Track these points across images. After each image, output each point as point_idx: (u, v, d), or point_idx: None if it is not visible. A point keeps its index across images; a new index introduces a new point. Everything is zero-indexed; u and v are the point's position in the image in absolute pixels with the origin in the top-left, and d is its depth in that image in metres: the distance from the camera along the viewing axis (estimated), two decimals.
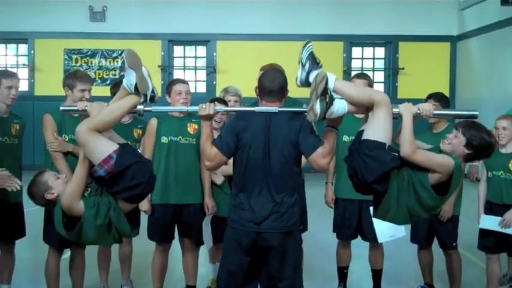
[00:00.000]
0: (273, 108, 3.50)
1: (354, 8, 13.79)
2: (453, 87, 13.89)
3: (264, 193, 3.50)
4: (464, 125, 3.55)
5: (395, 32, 13.84)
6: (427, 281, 5.20)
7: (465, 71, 13.69)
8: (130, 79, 3.52)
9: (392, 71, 14.15)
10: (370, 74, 13.99)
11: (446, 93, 13.78)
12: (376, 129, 3.33)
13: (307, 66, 3.39)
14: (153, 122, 4.67)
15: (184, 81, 4.80)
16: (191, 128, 4.72)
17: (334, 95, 3.36)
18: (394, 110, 3.43)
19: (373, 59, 14.54)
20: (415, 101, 3.58)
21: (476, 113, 3.60)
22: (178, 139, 4.64)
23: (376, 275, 5.19)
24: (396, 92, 13.96)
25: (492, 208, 4.91)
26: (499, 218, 4.80)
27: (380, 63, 14.55)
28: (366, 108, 3.45)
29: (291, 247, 3.56)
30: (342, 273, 5.25)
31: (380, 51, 14.49)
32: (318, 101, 3.23)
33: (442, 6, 13.80)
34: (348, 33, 13.88)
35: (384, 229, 4.84)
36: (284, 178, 3.51)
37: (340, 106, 3.33)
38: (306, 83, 3.40)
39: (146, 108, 3.62)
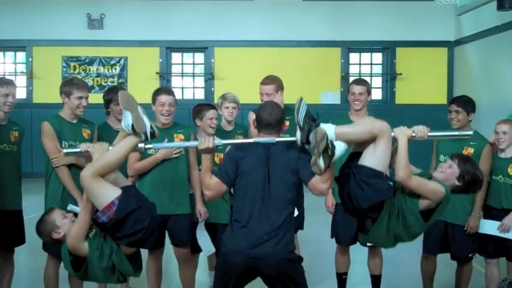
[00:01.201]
0: (270, 138, 3.60)
1: (352, 14, 13.83)
2: (451, 92, 13.89)
3: (262, 219, 3.52)
4: (460, 158, 3.64)
5: (392, 37, 13.87)
6: None
7: (463, 76, 13.72)
8: (127, 120, 3.56)
9: (390, 76, 14.17)
10: (367, 79, 13.99)
11: (444, 98, 13.89)
12: (376, 157, 3.39)
13: (305, 127, 3.44)
14: None
15: (168, 92, 4.75)
16: (177, 138, 4.72)
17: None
18: None
19: (371, 64, 14.57)
20: (413, 107, 3.64)
21: (471, 132, 3.80)
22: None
23: (375, 280, 5.19)
24: (394, 97, 13.98)
25: (491, 213, 4.90)
26: (498, 223, 4.81)
27: (378, 69, 14.57)
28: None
29: (292, 269, 3.56)
30: (341, 279, 5.24)
31: (377, 57, 14.52)
32: (321, 157, 3.31)
33: (439, 11, 13.78)
34: (346, 39, 13.90)
35: None
36: (283, 205, 3.55)
37: (341, 148, 3.40)
38: (306, 143, 3.46)
39: (147, 146, 3.72)
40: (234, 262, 3.53)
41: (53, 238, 3.62)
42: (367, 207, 3.38)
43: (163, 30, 13.79)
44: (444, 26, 13.90)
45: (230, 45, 13.88)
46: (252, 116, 5.02)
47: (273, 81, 5.12)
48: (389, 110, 13.08)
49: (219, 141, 3.68)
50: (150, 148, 3.76)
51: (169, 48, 14.14)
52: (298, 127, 3.46)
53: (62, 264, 4.65)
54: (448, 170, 3.57)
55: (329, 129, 3.38)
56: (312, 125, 3.41)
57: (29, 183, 5.12)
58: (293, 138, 3.56)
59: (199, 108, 5.04)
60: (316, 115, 3.48)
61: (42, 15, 13.72)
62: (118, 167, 3.65)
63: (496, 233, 4.81)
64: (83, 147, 3.72)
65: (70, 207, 4.19)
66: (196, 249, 4.97)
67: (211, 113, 4.98)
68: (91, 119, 4.89)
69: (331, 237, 5.18)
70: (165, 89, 4.89)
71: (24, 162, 4.85)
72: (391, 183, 3.40)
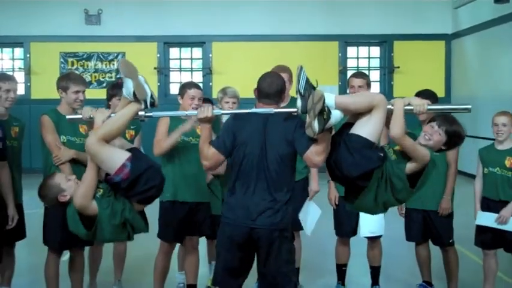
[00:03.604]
0: (268, 109, 3.58)
1: (349, 7, 13.83)
2: (448, 85, 13.94)
3: (259, 190, 3.56)
4: (446, 121, 3.60)
5: (390, 31, 13.89)
6: (425, 278, 5.22)
7: (460, 69, 13.75)
8: (128, 88, 3.64)
9: (387, 69, 14.19)
10: (365, 73, 14.02)
11: (442, 91, 13.90)
12: (369, 127, 3.39)
13: (307, 95, 3.39)
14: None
15: (198, 87, 4.85)
16: (199, 129, 4.78)
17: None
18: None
19: (369, 58, 14.58)
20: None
21: (470, 106, 3.63)
22: (189, 139, 4.73)
23: (375, 271, 5.23)
24: (392, 90, 14.00)
25: (489, 204, 4.93)
26: (496, 215, 4.83)
27: (375, 62, 14.59)
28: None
29: (283, 244, 3.61)
30: (341, 270, 5.28)
31: (375, 51, 14.53)
32: (316, 119, 3.27)
33: (437, 4, 13.85)
34: (343, 33, 13.91)
35: (366, 225, 5.03)
36: (279, 176, 3.57)
37: (337, 116, 3.37)
38: (307, 111, 3.42)
39: (147, 114, 3.76)
40: (233, 234, 3.60)
41: (59, 201, 3.68)
42: (357, 176, 3.38)
43: (160, 25, 13.79)
44: (441, 19, 13.93)
45: (227, 39, 13.88)
46: None
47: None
48: None
49: (217, 110, 3.70)
50: (151, 116, 3.79)
51: (167, 43, 14.14)
52: (299, 95, 3.41)
53: (62, 259, 4.74)
54: (436, 137, 3.56)
55: (329, 96, 3.36)
56: (312, 92, 3.37)
57: (28, 179, 5.11)
58: (292, 110, 3.55)
59: None
60: (316, 83, 3.46)
61: (40, 11, 13.71)
62: (121, 133, 3.77)
63: (494, 224, 4.84)
64: (84, 114, 3.79)
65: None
66: (213, 236, 5.01)
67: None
68: None
69: (334, 228, 5.22)
70: (194, 83, 4.99)
71: (22, 158, 4.86)
72: (381, 154, 3.42)
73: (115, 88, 5.02)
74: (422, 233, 5.09)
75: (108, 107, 5.02)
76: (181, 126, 4.59)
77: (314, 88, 3.41)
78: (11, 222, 4.45)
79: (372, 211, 3.68)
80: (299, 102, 3.39)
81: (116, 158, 3.58)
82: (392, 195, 3.51)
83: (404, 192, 3.52)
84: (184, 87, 4.82)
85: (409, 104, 3.52)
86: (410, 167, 3.47)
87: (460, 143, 3.68)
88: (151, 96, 3.68)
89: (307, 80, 3.45)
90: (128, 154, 3.61)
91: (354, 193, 3.55)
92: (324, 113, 3.27)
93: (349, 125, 3.51)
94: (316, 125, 3.26)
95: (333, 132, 3.53)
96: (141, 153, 3.83)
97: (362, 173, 3.37)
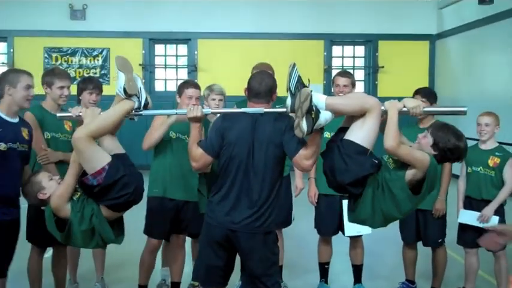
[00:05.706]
0: (258, 109, 3.53)
1: (335, 7, 13.87)
2: (432, 86, 14.01)
3: (243, 192, 3.52)
4: (435, 126, 3.55)
5: (375, 30, 13.96)
6: (409, 277, 5.26)
7: (444, 69, 13.85)
8: (120, 82, 3.61)
9: (372, 69, 14.26)
10: (350, 72, 14.07)
11: None
12: (362, 132, 3.32)
13: (297, 93, 3.30)
14: None
15: (196, 86, 4.80)
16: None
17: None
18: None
19: (353, 57, 14.63)
20: (394, 99, 3.56)
21: (465, 108, 3.50)
22: (184, 138, 4.69)
23: (357, 270, 5.25)
24: (376, 90, 14.07)
25: (471, 203, 4.99)
26: (478, 213, 4.89)
27: (360, 62, 14.65)
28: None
29: (267, 247, 3.58)
30: (323, 268, 5.30)
31: (360, 50, 14.59)
32: (304, 118, 3.20)
33: (421, 5, 13.95)
34: (329, 32, 13.95)
35: (352, 225, 4.90)
36: (265, 179, 3.52)
37: (326, 117, 3.31)
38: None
39: (137, 113, 3.71)
40: (213, 234, 3.58)
41: (39, 199, 3.65)
42: (349, 182, 3.31)
43: (146, 21, 13.73)
44: (426, 19, 14.03)
45: (213, 37, 13.87)
46: None
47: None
48: None
49: (207, 110, 3.67)
50: (140, 115, 3.73)
51: (152, 39, 14.08)
52: (289, 93, 3.35)
53: (45, 255, 4.71)
54: (422, 140, 3.48)
55: (320, 98, 3.30)
56: (300, 91, 3.27)
57: None
58: (283, 110, 3.48)
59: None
60: (307, 82, 3.38)
61: (24, 5, 13.58)
62: (110, 130, 3.68)
63: (476, 223, 4.90)
64: (74, 111, 3.73)
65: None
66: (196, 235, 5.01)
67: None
68: None
69: (315, 227, 5.23)
70: (193, 82, 4.96)
71: None
72: (376, 161, 3.34)
73: (85, 82, 4.99)
74: (416, 234, 5.08)
75: (79, 101, 4.98)
76: (167, 120, 4.55)
77: (305, 86, 3.33)
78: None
79: (372, 223, 3.51)
80: (289, 101, 3.34)
81: (99, 159, 3.51)
82: (394, 208, 3.37)
83: (406, 201, 3.36)
84: (183, 86, 4.77)
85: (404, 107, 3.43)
86: (409, 173, 3.35)
87: (453, 150, 3.43)
88: (146, 99, 3.65)
89: (299, 79, 3.38)
90: (109, 158, 3.53)
91: (353, 203, 3.46)
92: (312, 112, 3.20)
93: (344, 129, 3.45)
94: (304, 125, 3.20)
95: (325, 135, 3.45)
96: (123, 159, 3.69)
97: (353, 180, 3.30)
